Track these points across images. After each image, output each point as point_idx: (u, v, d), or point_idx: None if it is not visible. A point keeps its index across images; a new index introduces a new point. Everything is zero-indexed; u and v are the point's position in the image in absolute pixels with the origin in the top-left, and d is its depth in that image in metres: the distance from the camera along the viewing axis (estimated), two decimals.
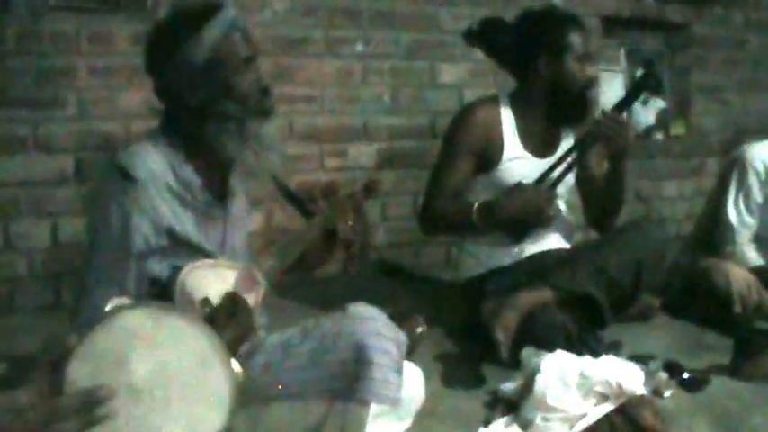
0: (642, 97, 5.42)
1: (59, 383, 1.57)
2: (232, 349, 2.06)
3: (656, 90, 5.44)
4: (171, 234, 2.19)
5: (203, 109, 2.22)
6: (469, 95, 4.52)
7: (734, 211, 3.84)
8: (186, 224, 2.24)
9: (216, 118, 2.23)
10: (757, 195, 3.81)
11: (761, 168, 3.80)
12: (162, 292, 2.12)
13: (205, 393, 1.74)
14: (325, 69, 4.40)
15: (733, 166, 3.90)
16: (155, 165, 2.17)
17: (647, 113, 5.69)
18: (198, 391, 1.74)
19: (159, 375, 1.71)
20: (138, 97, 3.78)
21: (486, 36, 3.51)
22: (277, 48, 4.19)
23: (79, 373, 1.64)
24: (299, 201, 2.46)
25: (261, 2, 4.16)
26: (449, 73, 4.73)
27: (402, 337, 2.24)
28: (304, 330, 2.30)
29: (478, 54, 3.75)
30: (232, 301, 2.06)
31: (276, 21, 4.21)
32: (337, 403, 2.14)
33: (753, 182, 3.81)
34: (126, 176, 2.12)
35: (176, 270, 2.11)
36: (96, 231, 2.16)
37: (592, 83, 3.46)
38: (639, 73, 3.50)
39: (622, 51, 5.60)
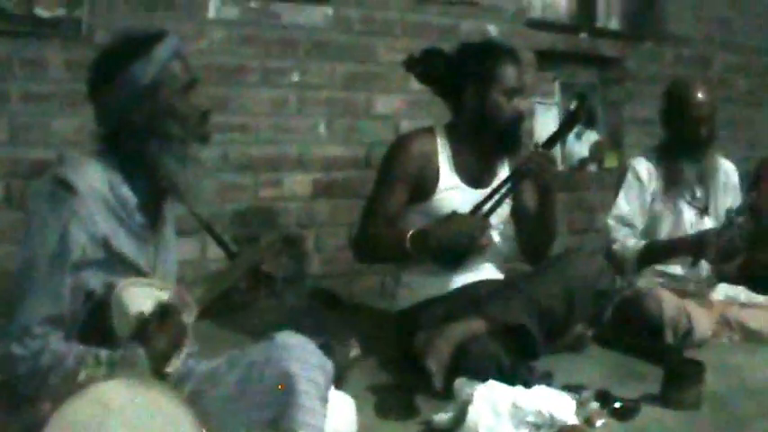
0: (576, 129, 5.50)
1: None
2: (165, 357, 2.08)
3: (588, 121, 5.54)
4: (107, 247, 2.20)
5: (146, 128, 2.26)
6: (405, 126, 4.54)
7: (614, 210, 4.15)
8: (121, 240, 2.25)
9: (158, 137, 2.27)
10: (635, 192, 4.12)
11: (641, 171, 4.12)
12: (97, 307, 2.13)
13: None
14: (260, 98, 4.38)
15: None
16: (93, 179, 2.20)
17: (580, 146, 5.76)
18: None
19: None
20: (72, 124, 3.74)
21: (423, 64, 3.54)
22: (213, 76, 4.16)
23: None
24: (222, 242, 2.49)
25: (197, 30, 4.14)
26: (384, 104, 4.74)
27: (329, 365, 2.27)
28: (231, 360, 2.32)
29: (414, 85, 3.78)
30: (164, 309, 2.08)
31: (212, 49, 4.19)
32: None
33: (631, 181, 4.12)
34: (64, 188, 2.14)
35: (110, 288, 2.13)
36: (32, 242, 2.15)
37: (519, 117, 3.49)
38: (571, 107, 3.57)
39: (557, 84, 5.67)
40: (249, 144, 4.35)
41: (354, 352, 3.13)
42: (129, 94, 2.23)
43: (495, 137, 3.46)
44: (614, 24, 6.02)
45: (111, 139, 2.31)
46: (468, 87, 3.46)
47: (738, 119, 6.34)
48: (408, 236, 3.31)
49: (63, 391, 1.71)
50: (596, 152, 5.83)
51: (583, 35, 5.70)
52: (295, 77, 4.49)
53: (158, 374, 2.07)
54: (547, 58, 5.47)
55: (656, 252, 4.03)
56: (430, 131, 3.57)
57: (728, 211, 3.89)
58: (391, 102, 4.76)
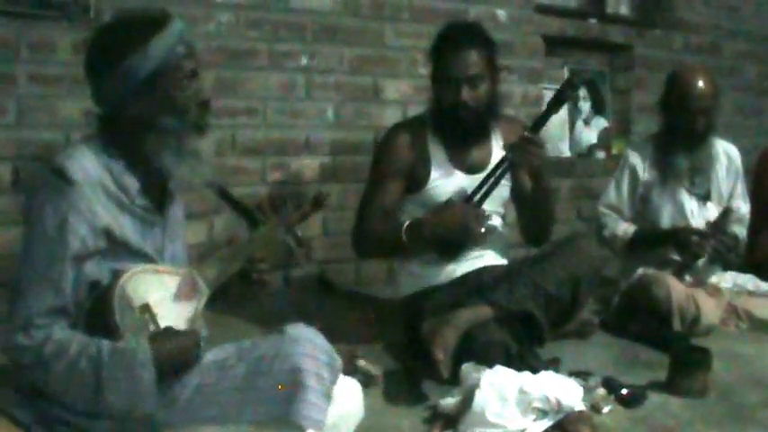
0: (583, 116, 5.48)
1: None
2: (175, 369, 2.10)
3: (597, 108, 5.52)
4: (109, 236, 2.16)
5: (142, 120, 2.20)
6: (412, 111, 4.52)
7: (604, 198, 4.21)
8: (124, 227, 2.21)
9: (154, 130, 2.21)
10: (626, 182, 4.17)
11: (635, 161, 4.15)
12: (101, 297, 2.10)
13: None
14: (268, 82, 4.37)
15: None
16: (91, 167, 2.15)
17: (588, 133, 5.75)
18: None
19: None
20: (79, 106, 3.73)
21: None
22: (221, 60, 4.16)
23: None
24: (245, 210, 2.42)
25: (205, 13, 4.12)
26: (392, 89, 4.73)
27: (337, 362, 2.24)
28: (240, 351, 2.27)
29: (422, 70, 3.75)
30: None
31: (220, 33, 4.18)
32: (271, 427, 2.13)
33: (624, 170, 4.19)
34: (62, 178, 2.10)
35: (117, 274, 2.10)
36: (31, 234, 2.13)
37: (457, 106, 3.36)
38: (560, 86, 3.47)
39: (565, 70, 5.65)
40: (257, 128, 4.35)
41: (375, 370, 3.11)
42: (125, 87, 2.17)
43: (448, 125, 3.44)
44: (624, 11, 6.01)
45: (109, 122, 2.26)
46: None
47: (747, 106, 6.34)
48: (404, 228, 3.29)
49: None
50: (605, 139, 5.82)
51: (592, 21, 5.68)
52: (303, 61, 4.48)
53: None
54: (556, 44, 5.46)
55: (643, 241, 4.06)
56: (419, 121, 3.56)
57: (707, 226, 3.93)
58: (399, 86, 4.75)
